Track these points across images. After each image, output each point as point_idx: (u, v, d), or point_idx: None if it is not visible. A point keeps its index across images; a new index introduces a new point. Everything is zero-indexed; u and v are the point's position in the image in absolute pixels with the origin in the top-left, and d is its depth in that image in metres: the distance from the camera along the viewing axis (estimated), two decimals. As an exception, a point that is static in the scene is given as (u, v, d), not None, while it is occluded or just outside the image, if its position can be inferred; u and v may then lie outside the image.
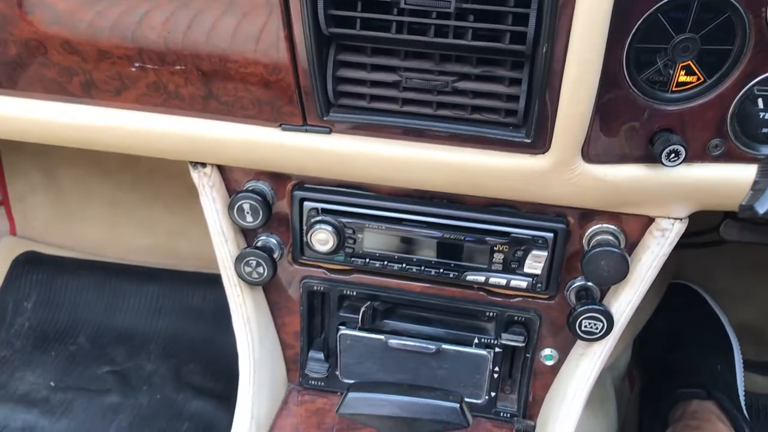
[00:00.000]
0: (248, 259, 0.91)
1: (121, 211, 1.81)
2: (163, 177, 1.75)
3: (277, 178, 0.91)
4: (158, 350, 1.65)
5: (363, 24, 0.70)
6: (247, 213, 0.89)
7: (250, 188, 0.91)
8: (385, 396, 0.74)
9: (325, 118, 0.78)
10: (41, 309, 1.73)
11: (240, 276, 0.93)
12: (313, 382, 1.05)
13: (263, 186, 0.91)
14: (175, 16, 0.73)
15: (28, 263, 1.80)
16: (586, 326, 0.85)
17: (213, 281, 1.76)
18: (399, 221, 0.88)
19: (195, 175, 0.90)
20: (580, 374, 0.90)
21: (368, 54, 0.74)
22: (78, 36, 0.77)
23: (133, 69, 0.79)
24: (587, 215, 0.86)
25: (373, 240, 0.89)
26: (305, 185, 0.90)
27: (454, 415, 0.73)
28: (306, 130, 0.80)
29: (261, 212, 0.89)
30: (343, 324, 0.99)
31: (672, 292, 1.41)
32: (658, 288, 1.34)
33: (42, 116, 0.86)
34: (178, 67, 0.77)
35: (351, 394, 0.74)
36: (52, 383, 1.56)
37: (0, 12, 0.76)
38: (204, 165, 0.90)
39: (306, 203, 0.89)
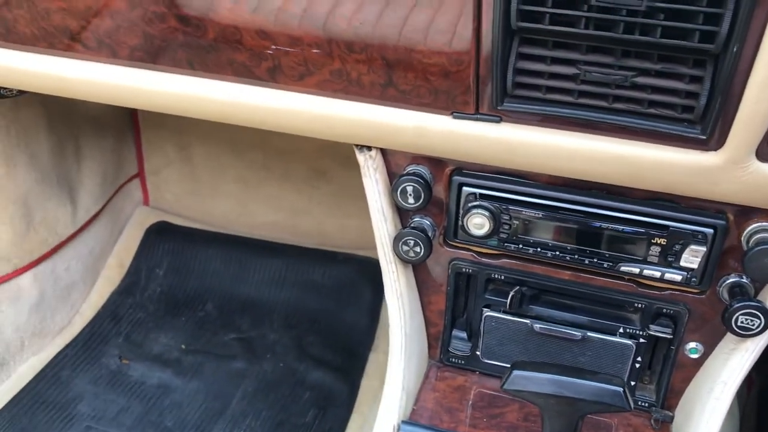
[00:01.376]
0: (406, 238, 0.96)
1: (249, 188, 1.90)
2: (291, 157, 1.84)
3: (437, 162, 0.95)
4: (280, 321, 1.74)
5: (551, 19, 0.73)
6: (410, 195, 0.93)
7: (411, 171, 0.95)
8: (549, 376, 0.77)
9: (498, 108, 0.81)
10: (172, 276, 1.85)
11: (397, 254, 0.98)
12: (454, 360, 1.09)
13: (423, 170, 0.96)
14: (367, 6, 0.78)
15: (160, 232, 1.93)
16: (742, 322, 0.86)
17: (332, 258, 1.85)
18: (556, 209, 0.91)
19: (361, 157, 0.95)
20: (731, 369, 0.91)
21: (550, 47, 0.77)
22: (273, 24, 0.83)
23: (319, 55, 0.84)
24: (747, 212, 0.87)
25: (529, 227, 0.92)
26: (464, 170, 0.94)
27: (618, 398, 0.75)
28: (477, 119, 0.84)
29: (423, 195, 0.93)
30: (487, 306, 1.03)
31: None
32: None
33: (226, 98, 0.93)
34: (364, 56, 0.82)
35: (516, 372, 0.78)
36: (183, 346, 1.67)
37: (206, 0, 0.83)
38: (370, 148, 0.95)
39: (464, 188, 0.93)
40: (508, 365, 0.99)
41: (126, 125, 1.87)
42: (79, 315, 1.73)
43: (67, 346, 1.64)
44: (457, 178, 0.93)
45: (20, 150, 1.51)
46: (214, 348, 1.67)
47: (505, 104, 0.81)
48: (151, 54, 0.92)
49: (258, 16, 0.83)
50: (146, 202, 2.00)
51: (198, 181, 1.95)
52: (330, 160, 1.81)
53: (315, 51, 0.84)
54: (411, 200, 0.93)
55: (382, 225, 0.98)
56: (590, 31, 0.73)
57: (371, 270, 1.80)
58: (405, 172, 0.95)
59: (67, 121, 1.65)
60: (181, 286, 1.83)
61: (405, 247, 0.96)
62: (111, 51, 0.94)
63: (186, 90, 0.94)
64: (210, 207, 1.96)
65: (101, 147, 1.79)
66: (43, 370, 1.57)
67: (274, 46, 0.85)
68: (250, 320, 1.74)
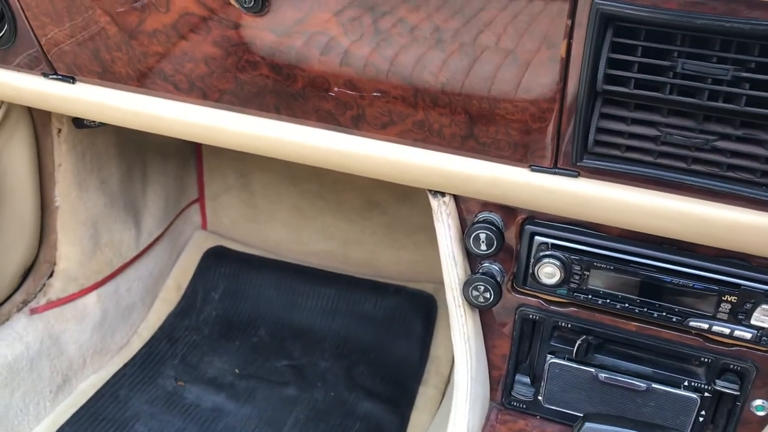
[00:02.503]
0: (477, 284, 0.98)
1: (304, 217, 1.95)
2: (346, 188, 1.88)
3: (508, 210, 0.98)
4: (331, 349, 1.77)
5: (636, 83, 0.76)
6: (482, 242, 0.96)
7: (483, 218, 0.98)
8: (623, 430, 0.78)
9: (578, 164, 0.84)
10: (227, 300, 1.90)
11: (467, 299, 1.00)
12: (515, 404, 1.11)
13: (495, 217, 0.98)
14: (456, 61, 0.81)
15: (217, 256, 1.98)
16: (813, 384, 0.87)
17: (383, 289, 1.87)
18: (626, 262, 0.92)
19: (434, 202, 0.98)
20: (799, 429, 0.92)
21: (632, 109, 0.79)
22: (360, 76, 0.87)
23: (403, 106, 0.88)
24: (819, 274, 0.88)
25: (599, 278, 0.94)
26: (536, 219, 0.97)
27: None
28: (555, 173, 0.86)
29: (495, 242, 0.96)
30: (552, 352, 1.05)
31: None
32: None
33: (308, 141, 0.97)
34: (447, 109, 0.86)
35: (589, 424, 0.80)
36: (236, 370, 1.71)
37: (300, 52, 0.87)
38: (443, 194, 0.98)
39: (536, 237, 0.96)
40: (570, 411, 1.01)
41: (189, 152, 1.94)
42: (137, 335, 1.78)
43: (126, 365, 1.69)
44: (529, 227, 0.96)
45: (93, 175, 1.58)
46: (267, 374, 1.70)
47: (584, 161, 0.83)
48: (240, 98, 0.96)
49: (346, 69, 0.87)
50: (204, 226, 2.05)
51: (255, 207, 2.00)
52: (384, 193, 1.84)
53: (400, 103, 0.87)
54: (483, 247, 0.96)
55: (453, 269, 1.00)
56: (674, 97, 0.75)
57: (422, 303, 1.83)
58: (477, 219, 0.98)
59: (136, 148, 1.71)
60: (235, 310, 1.88)
61: (475, 293, 0.99)
62: (202, 93, 0.98)
63: (269, 132, 0.98)
64: (265, 233, 2.00)
65: (165, 172, 1.85)
66: (102, 388, 1.62)
67: (360, 97, 0.89)
68: (302, 347, 1.77)
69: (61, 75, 1.07)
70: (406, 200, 1.84)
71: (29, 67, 1.08)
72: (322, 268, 1.93)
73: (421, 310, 1.80)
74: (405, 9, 0.79)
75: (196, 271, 1.95)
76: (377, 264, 1.91)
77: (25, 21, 1.01)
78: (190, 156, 1.95)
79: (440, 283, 1.81)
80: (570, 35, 0.74)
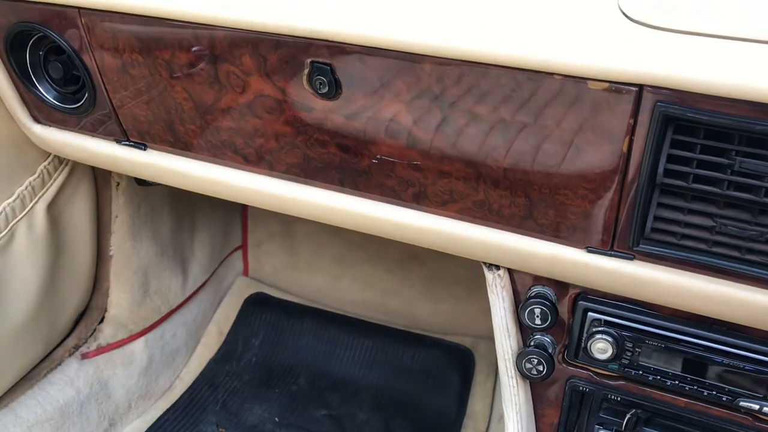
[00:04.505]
0: (530, 356, 1.01)
1: (344, 266, 1.99)
2: (386, 240, 1.91)
3: (561, 284, 1.01)
4: (369, 400, 1.79)
5: (695, 178, 0.79)
6: (537, 317, 0.99)
7: (536, 292, 1.01)
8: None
9: (634, 248, 0.87)
10: (267, 347, 1.93)
11: (520, 371, 1.03)
12: (563, 472, 1.13)
13: (548, 291, 1.01)
14: (519, 150, 0.85)
15: (258, 303, 2.02)
16: None
17: (421, 341, 1.90)
18: (678, 341, 0.95)
19: (489, 275, 1.02)
20: None
21: (688, 200, 0.83)
22: (426, 158, 0.91)
23: (465, 187, 0.92)
24: None
25: (650, 355, 0.97)
26: (589, 296, 1.00)
27: None
28: (611, 255, 0.90)
29: (550, 317, 0.99)
30: (601, 424, 1.07)
31: None
32: None
33: (367, 213, 1.01)
34: (508, 192, 0.90)
35: None
36: (276, 418, 1.74)
37: (368, 134, 0.92)
38: (498, 267, 1.01)
39: (589, 313, 0.99)
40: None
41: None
42: (179, 380, 1.82)
43: (169, 410, 1.73)
44: (583, 303, 0.99)
45: (146, 226, 1.64)
46: (306, 423, 1.73)
47: (640, 246, 0.87)
48: (307, 171, 1.01)
49: (412, 151, 0.91)
50: (246, 272, 2.10)
51: (297, 255, 2.04)
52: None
53: (461, 183, 0.92)
54: (538, 321, 0.99)
55: (506, 341, 1.03)
56: (731, 192, 0.78)
57: (460, 356, 1.85)
58: (531, 293, 1.01)
59: (187, 198, 1.77)
60: (275, 357, 1.91)
61: (528, 365, 1.01)
62: (269, 165, 1.03)
63: (332, 203, 1.03)
64: (306, 281, 2.04)
65: (212, 221, 1.91)
66: (146, 433, 1.66)
67: (423, 176, 0.93)
68: (341, 398, 1.80)
69: (134, 142, 1.12)
70: (446, 254, 1.87)
71: (104, 133, 1.14)
72: (361, 317, 1.96)
73: (459, 364, 1.82)
74: (472, 101, 0.84)
75: (238, 317, 1.99)
76: (415, 315, 1.94)
77: (105, 92, 1.07)
78: (236, 204, 2.00)
79: (478, 336, 1.84)
80: (632, 132, 0.78)
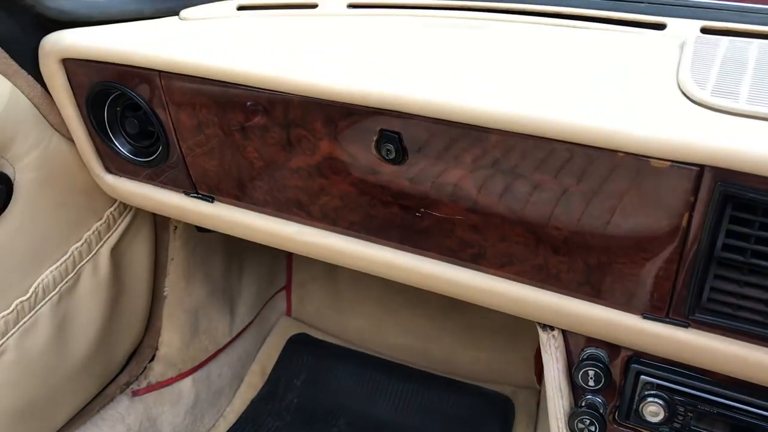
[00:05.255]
0: (583, 417, 1.03)
1: (386, 310, 2.02)
2: (428, 286, 1.95)
3: (614, 347, 1.03)
4: (409, 446, 1.81)
5: (752, 253, 0.82)
6: (591, 378, 1.01)
7: (590, 354, 1.04)
8: None
9: (689, 317, 0.90)
10: (309, 388, 1.96)
11: (572, 430, 1.05)
12: None
13: (601, 353, 1.04)
14: (580, 219, 0.89)
15: (300, 343, 2.06)
16: None
17: (460, 388, 1.92)
18: (732, 408, 0.96)
19: (543, 335, 1.04)
20: None
21: (745, 273, 0.85)
22: (487, 223, 0.95)
23: (524, 252, 0.95)
24: None
25: (703, 420, 0.98)
26: (641, 359, 1.02)
27: None
28: (666, 322, 0.92)
29: (603, 379, 1.01)
30: (650, 483, 1.08)
31: None
32: None
33: (424, 270, 1.05)
34: (567, 258, 0.93)
35: None
36: (317, 460, 1.76)
37: (431, 197, 0.96)
38: (552, 328, 1.04)
39: (642, 376, 1.01)
40: None
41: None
42: (223, 418, 1.86)
43: (212, 448, 1.77)
44: (636, 366, 1.01)
45: (199, 268, 1.69)
46: (346, 466, 1.75)
47: (696, 315, 0.89)
48: (367, 229, 1.06)
49: (473, 216, 0.95)
50: (288, 312, 2.15)
51: (339, 297, 2.08)
52: (466, 292, 1.91)
53: (521, 248, 0.95)
54: (592, 383, 1.01)
55: (558, 401, 1.06)
56: (789, 269, 0.81)
57: (499, 405, 1.86)
58: (585, 354, 1.03)
59: (238, 242, 1.82)
60: (316, 398, 1.94)
61: (581, 425, 1.03)
62: (331, 221, 1.08)
63: (390, 259, 1.07)
64: (347, 323, 2.08)
65: (260, 262, 1.96)
66: (190, 471, 1.69)
67: (483, 239, 0.97)
68: (380, 442, 1.82)
69: (202, 194, 1.18)
70: (487, 302, 1.90)
71: (173, 184, 1.20)
72: (401, 362, 1.99)
73: (499, 412, 1.84)
74: (535, 170, 0.87)
75: (280, 357, 2.03)
76: (455, 362, 1.96)
77: (178, 147, 1.13)
78: (282, 246, 2.06)
79: (518, 386, 1.86)
80: (692, 208, 0.81)
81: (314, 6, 1.16)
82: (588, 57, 0.99)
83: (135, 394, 1.64)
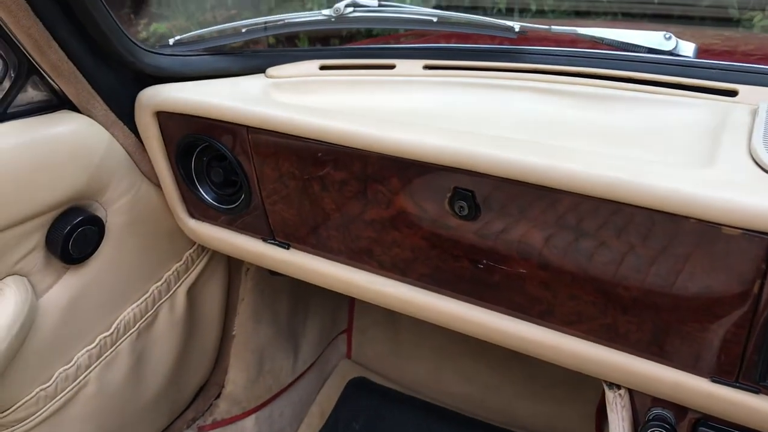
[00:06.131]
0: (646, 479, 1.03)
1: (445, 358, 2.03)
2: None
3: (681, 408, 1.03)
4: (466, 497, 1.80)
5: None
6: (658, 440, 1.02)
7: (656, 415, 1.04)
8: None
9: (760, 383, 0.90)
10: (366, 432, 1.98)
11: (635, 492, 1.05)
12: None
13: (667, 414, 1.04)
14: (650, 281, 0.90)
15: (359, 387, 2.08)
16: None
17: (519, 440, 1.91)
18: (802, 477, 0.95)
19: (609, 394, 1.05)
20: None
21: (817, 341, 0.85)
22: (556, 280, 0.97)
23: (593, 311, 0.97)
24: None
25: (773, 488, 0.97)
26: (709, 423, 1.01)
27: None
28: (736, 387, 0.92)
29: (669, 441, 1.01)
30: None
31: None
32: None
33: (491, 324, 1.07)
34: (636, 318, 0.94)
35: None
36: (372, 508, 1.77)
37: (499, 252, 0.99)
38: (619, 387, 1.05)
39: (710, 440, 1.00)
40: None
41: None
42: (282, 458, 1.89)
43: (271, 488, 1.80)
44: (703, 429, 1.00)
45: (267, 309, 1.75)
46: None
47: (766, 381, 0.89)
48: (437, 281, 1.09)
49: (543, 273, 0.98)
50: (349, 355, 2.18)
51: (399, 343, 2.11)
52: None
53: (590, 306, 0.97)
54: (658, 445, 1.01)
55: (625, 459, 1.06)
56: None
57: (559, 459, 1.84)
58: (651, 415, 1.04)
59: (305, 285, 1.88)
60: (373, 443, 1.96)
61: (642, 487, 1.03)
62: (401, 272, 1.12)
63: (458, 312, 1.10)
64: (406, 369, 2.10)
65: (324, 305, 2.01)
66: None
67: (552, 296, 0.99)
68: (436, 493, 1.82)
69: (279, 241, 1.24)
70: (547, 353, 1.89)
71: (253, 231, 1.26)
72: (460, 411, 1.99)
73: (558, 467, 1.82)
74: (606, 232, 0.90)
75: (339, 400, 2.06)
76: (514, 414, 1.96)
77: (259, 197, 1.19)
78: (345, 291, 2.10)
79: (578, 440, 1.83)
80: (764, 276, 0.82)
81: (392, 67, 1.22)
82: (658, 123, 1.01)
83: (201, 430, 1.69)
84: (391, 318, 2.11)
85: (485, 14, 1.55)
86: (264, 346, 1.78)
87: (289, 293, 1.82)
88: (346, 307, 2.14)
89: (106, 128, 1.22)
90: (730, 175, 0.84)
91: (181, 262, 1.45)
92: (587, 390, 1.78)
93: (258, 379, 1.79)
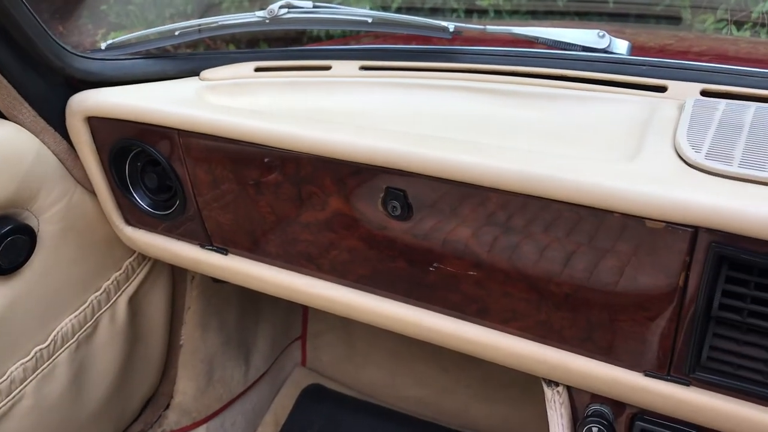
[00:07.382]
0: (588, 477, 1.03)
1: (400, 362, 2.02)
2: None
3: (619, 404, 1.03)
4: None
5: (749, 313, 0.83)
6: (595, 435, 1.02)
7: (594, 411, 1.04)
8: None
9: (690, 375, 0.90)
10: (321, 439, 1.96)
11: (577, 488, 1.05)
12: None
13: (605, 409, 1.04)
14: (580, 278, 0.90)
15: (314, 394, 2.06)
16: None
17: (474, 442, 1.90)
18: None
19: (548, 391, 1.05)
20: None
21: (744, 332, 0.86)
22: (490, 279, 0.97)
23: (527, 308, 0.97)
24: None
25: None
26: (645, 417, 1.02)
27: None
28: (668, 380, 0.93)
29: (607, 436, 1.01)
30: None
31: None
32: None
33: (429, 324, 1.07)
34: (569, 314, 0.94)
35: None
36: None
37: (433, 252, 0.98)
38: (557, 384, 1.05)
39: (646, 435, 1.01)
40: None
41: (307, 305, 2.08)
42: (235, 468, 1.86)
43: (223, 500, 1.77)
44: (640, 424, 1.01)
45: (215, 317, 1.72)
46: None
47: (696, 373, 0.90)
48: (375, 282, 1.08)
49: (477, 271, 0.97)
50: (304, 362, 2.16)
51: (353, 348, 2.09)
52: (480, 346, 1.91)
53: (524, 304, 0.97)
54: (597, 441, 1.01)
55: (563, 457, 1.06)
56: (785, 331, 0.82)
57: (513, 460, 1.84)
58: (589, 411, 1.04)
59: (253, 292, 1.85)
60: (328, 450, 1.94)
61: (585, 485, 1.03)
62: (340, 274, 1.11)
63: (396, 313, 1.09)
64: (361, 374, 2.08)
65: (275, 313, 1.98)
66: None
67: (487, 295, 0.99)
68: (391, 499, 1.81)
69: (216, 247, 1.22)
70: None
71: (190, 237, 1.24)
72: (416, 415, 1.98)
73: (513, 467, 1.82)
74: (535, 229, 0.90)
75: (294, 407, 2.04)
76: (470, 416, 1.95)
77: (194, 201, 1.17)
78: (298, 297, 2.08)
79: (532, 441, 1.83)
80: (688, 269, 0.82)
81: (328, 68, 1.21)
82: (588, 119, 1.02)
83: (149, 441, 1.66)
84: (345, 324, 2.09)
85: (427, 16, 1.55)
86: (213, 354, 1.75)
87: (238, 300, 1.79)
88: (299, 313, 2.12)
89: (36, 134, 1.18)
90: (653, 169, 0.84)
91: (121, 271, 1.41)
92: (541, 390, 1.78)
93: (208, 389, 1.76)
